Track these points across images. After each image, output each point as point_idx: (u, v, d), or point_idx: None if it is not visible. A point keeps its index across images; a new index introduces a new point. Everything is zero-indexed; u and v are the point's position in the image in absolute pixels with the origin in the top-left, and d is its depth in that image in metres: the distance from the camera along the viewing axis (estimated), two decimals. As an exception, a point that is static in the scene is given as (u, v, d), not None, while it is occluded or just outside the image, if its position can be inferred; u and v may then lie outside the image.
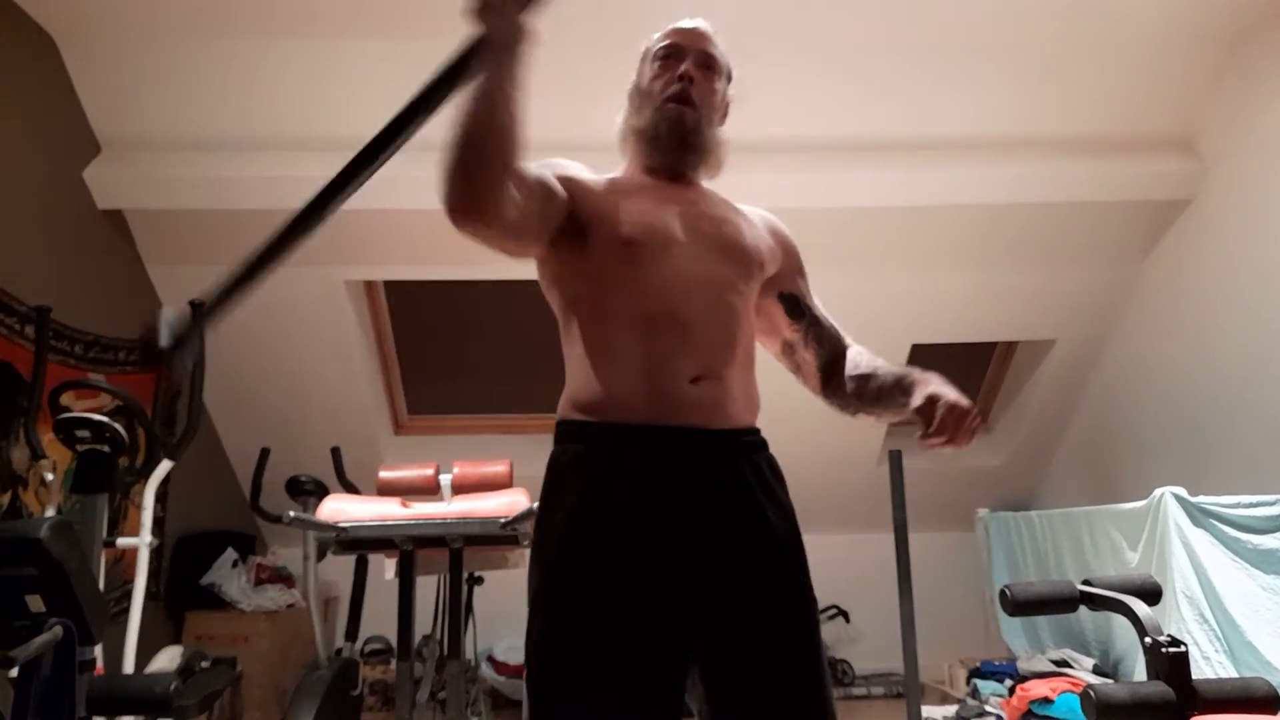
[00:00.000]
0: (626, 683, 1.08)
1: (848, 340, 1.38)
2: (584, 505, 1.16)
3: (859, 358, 1.34)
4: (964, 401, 1.14)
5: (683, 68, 1.34)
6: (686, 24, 1.40)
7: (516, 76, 1.14)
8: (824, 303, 1.43)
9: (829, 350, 1.37)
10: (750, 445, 1.25)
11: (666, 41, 1.38)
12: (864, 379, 1.30)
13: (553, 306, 1.33)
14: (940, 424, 1.13)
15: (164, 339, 1.26)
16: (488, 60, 1.13)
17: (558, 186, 1.25)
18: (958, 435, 1.14)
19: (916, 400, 1.16)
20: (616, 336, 1.20)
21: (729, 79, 1.44)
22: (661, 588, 1.11)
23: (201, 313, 1.27)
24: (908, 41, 3.03)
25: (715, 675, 1.13)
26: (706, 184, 1.42)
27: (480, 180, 1.09)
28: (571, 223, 1.26)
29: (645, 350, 1.18)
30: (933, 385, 1.17)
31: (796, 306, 1.38)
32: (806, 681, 1.14)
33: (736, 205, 1.41)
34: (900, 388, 1.23)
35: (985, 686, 3.59)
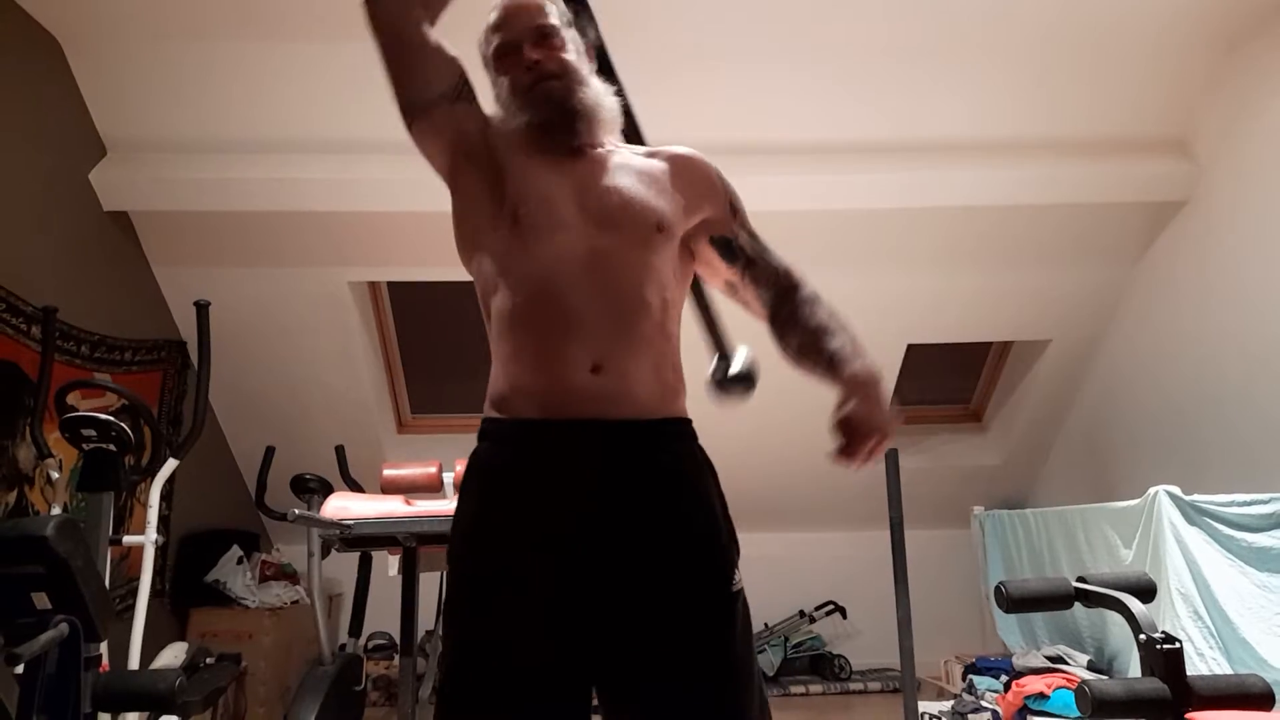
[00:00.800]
0: (524, 696, 1.05)
1: (796, 275, 1.31)
2: (479, 507, 1.14)
3: (806, 312, 1.26)
4: (872, 427, 1.11)
5: (526, 57, 1.26)
6: (496, 13, 1.32)
7: None
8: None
9: (772, 289, 1.30)
10: (663, 434, 1.17)
11: (495, 41, 1.31)
12: (804, 343, 1.24)
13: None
14: (848, 451, 1.12)
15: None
16: None
17: (458, 72, 1.29)
18: (863, 460, 1.13)
19: (834, 417, 1.13)
20: (513, 329, 1.17)
21: (570, 22, 1.34)
22: (555, 594, 1.07)
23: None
24: (903, 44, 3.04)
25: (613, 680, 1.09)
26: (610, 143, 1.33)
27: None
28: (455, 135, 1.28)
29: (538, 342, 1.15)
30: (851, 404, 1.12)
31: (729, 249, 1.31)
32: (700, 689, 1.06)
33: (643, 154, 1.33)
34: (830, 372, 1.19)
35: (981, 682, 3.61)
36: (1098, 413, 4.11)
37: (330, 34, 2.93)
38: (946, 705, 3.51)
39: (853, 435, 1.11)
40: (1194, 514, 2.74)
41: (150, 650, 2.66)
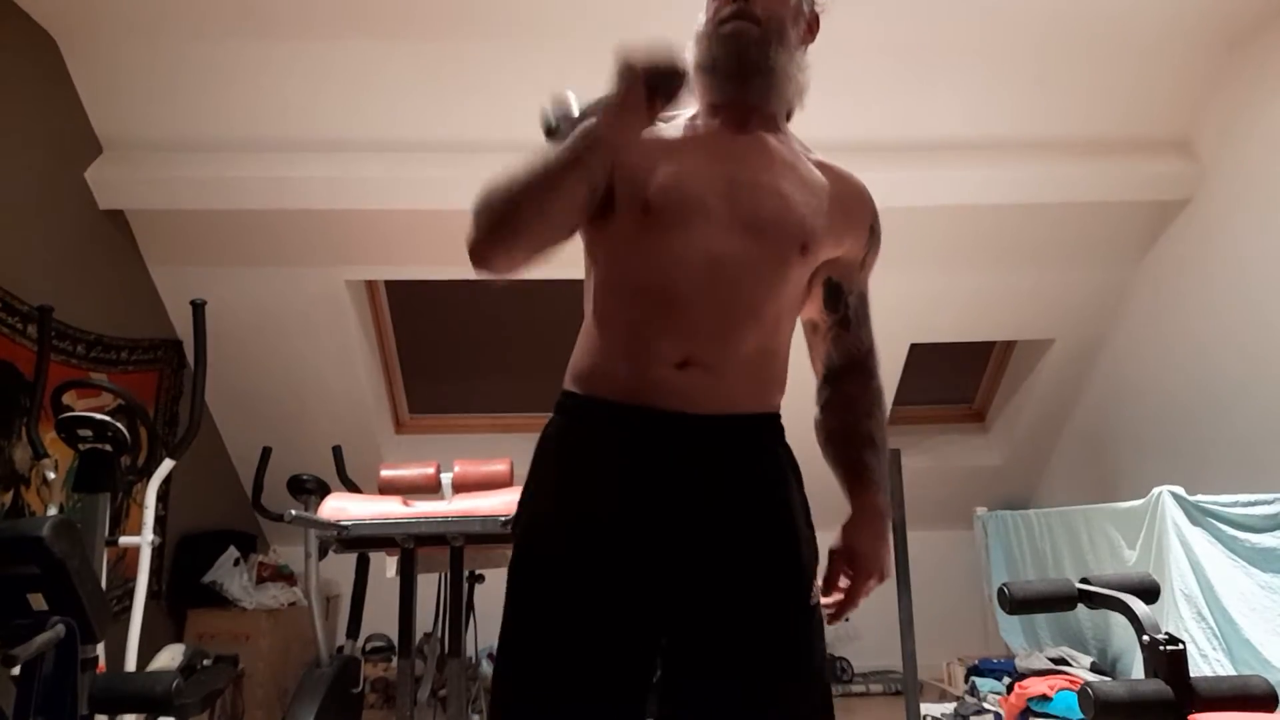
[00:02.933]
0: (584, 677, 1.01)
1: (874, 361, 1.25)
2: (558, 482, 1.10)
3: (865, 408, 1.21)
4: (877, 566, 1.11)
5: None
6: None
7: (605, 157, 1.07)
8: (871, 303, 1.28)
9: (846, 358, 1.24)
10: (748, 430, 1.11)
11: None
12: (846, 437, 1.21)
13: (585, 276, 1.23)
14: (850, 592, 1.11)
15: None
16: (574, 147, 1.05)
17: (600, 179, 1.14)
18: (839, 609, 1.11)
19: (838, 542, 1.12)
20: (611, 309, 1.12)
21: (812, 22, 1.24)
22: (629, 573, 1.04)
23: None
24: (905, 43, 3.03)
25: (673, 674, 1.05)
26: (788, 132, 1.24)
27: (511, 241, 1.06)
28: (607, 188, 1.13)
29: (632, 326, 1.09)
30: (862, 536, 1.12)
31: (837, 295, 1.23)
32: (771, 682, 1.03)
33: (820, 163, 1.23)
34: (854, 484, 1.17)
35: (984, 684, 3.59)
36: (1101, 412, 4.10)
37: (327, 32, 2.92)
38: (949, 707, 3.50)
39: (857, 571, 1.10)
40: (1197, 514, 2.73)
41: (147, 652, 2.64)
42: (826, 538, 1.16)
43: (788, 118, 1.27)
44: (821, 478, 1.23)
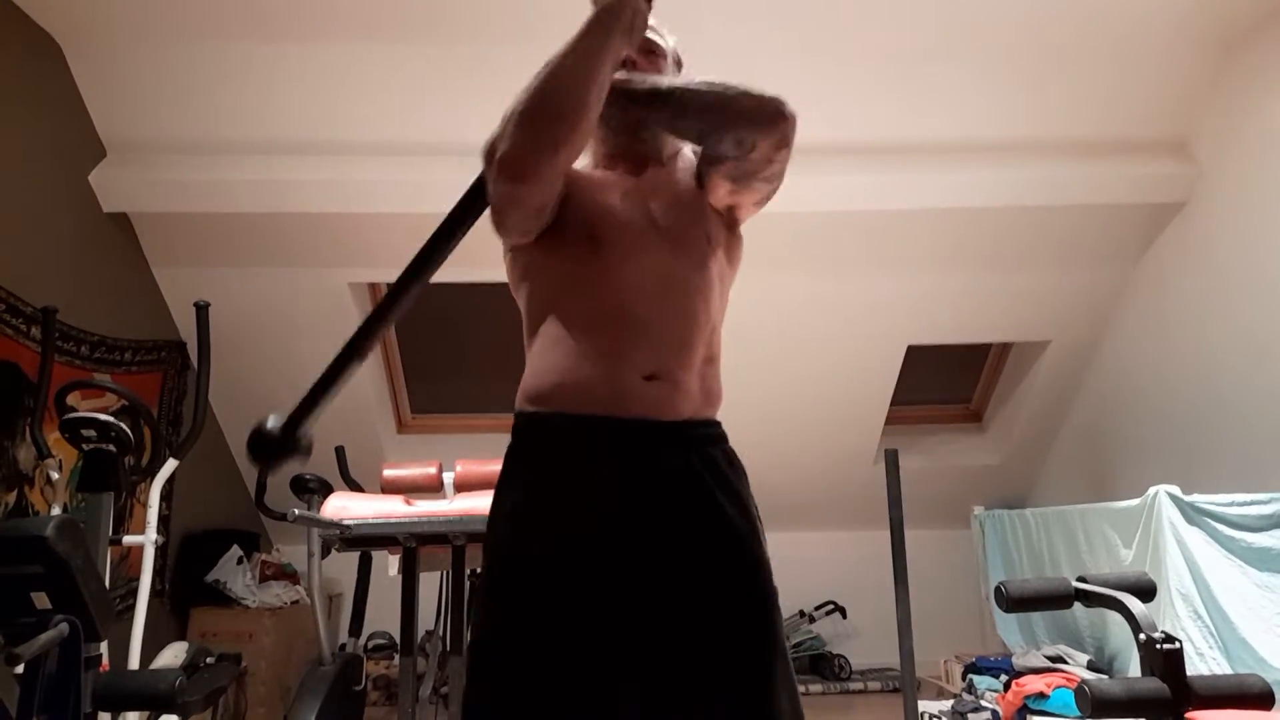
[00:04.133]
0: (563, 684, 1.06)
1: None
2: (530, 494, 1.16)
3: None
4: None
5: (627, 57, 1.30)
6: None
7: (620, 47, 1.18)
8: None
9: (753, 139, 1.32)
10: (704, 436, 1.21)
11: None
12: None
13: (519, 303, 1.30)
14: None
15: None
16: (600, 24, 1.16)
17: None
18: None
19: None
20: (572, 332, 1.19)
21: (679, 62, 1.42)
22: (604, 579, 1.09)
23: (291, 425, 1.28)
24: (903, 46, 3.04)
25: (654, 672, 1.09)
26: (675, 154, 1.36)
27: (558, 134, 1.12)
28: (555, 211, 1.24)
29: (598, 345, 1.17)
30: None
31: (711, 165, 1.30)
32: (749, 681, 1.09)
33: (687, 167, 1.35)
34: None
35: (981, 682, 3.60)
36: (1097, 413, 4.11)
37: (330, 35, 2.93)
38: (946, 705, 3.51)
39: None
40: (1194, 514, 2.74)
41: (150, 650, 2.66)
42: (782, 537, 1.20)
43: None
44: (775, 478, 1.24)
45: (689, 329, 1.22)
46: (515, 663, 1.08)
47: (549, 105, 1.12)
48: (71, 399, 2.67)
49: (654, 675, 1.09)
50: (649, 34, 1.35)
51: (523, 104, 1.12)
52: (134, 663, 2.50)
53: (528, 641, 1.08)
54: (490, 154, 1.14)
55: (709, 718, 1.07)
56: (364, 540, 2.44)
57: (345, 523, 2.35)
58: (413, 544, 2.38)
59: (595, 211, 1.24)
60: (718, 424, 1.26)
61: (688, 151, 1.36)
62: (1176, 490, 2.79)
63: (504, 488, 1.19)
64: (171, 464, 2.77)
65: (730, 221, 1.35)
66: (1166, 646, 1.18)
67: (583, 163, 1.35)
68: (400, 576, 2.43)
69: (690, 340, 1.22)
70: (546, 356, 1.21)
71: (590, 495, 1.13)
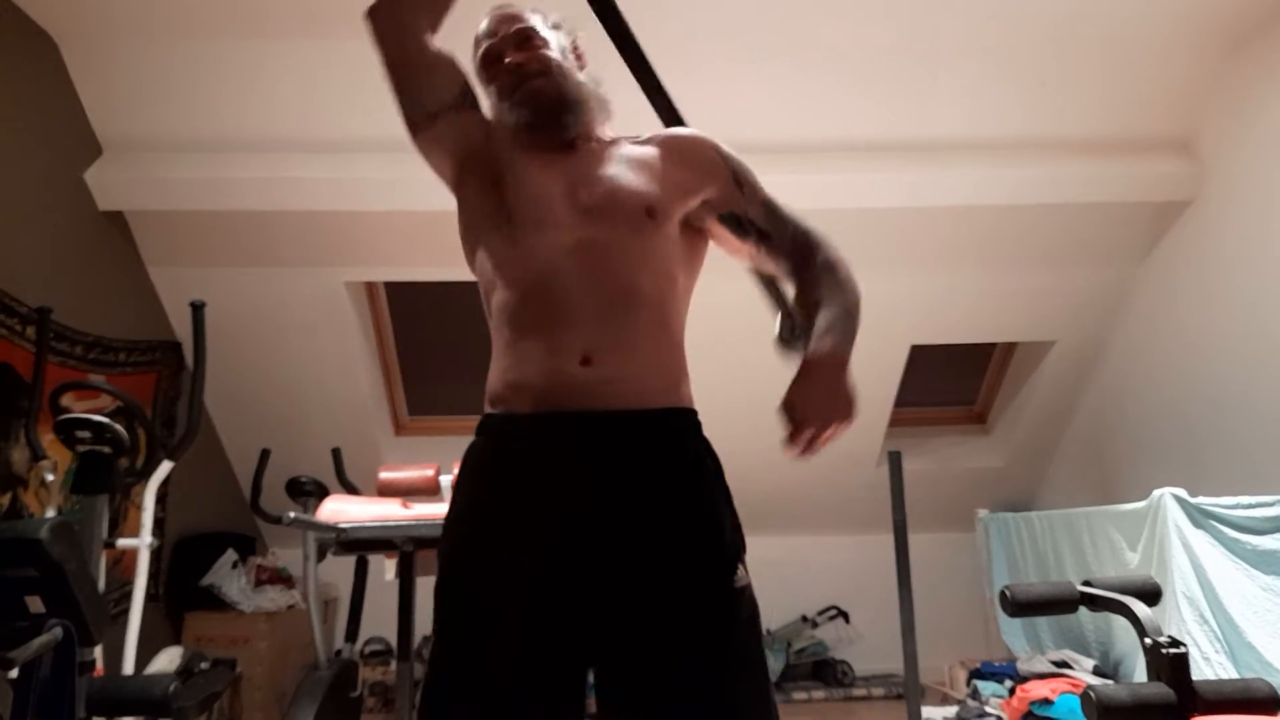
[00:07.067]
0: (515, 695, 1.03)
1: (814, 239, 1.30)
2: (471, 501, 1.14)
3: (812, 282, 1.26)
4: (808, 412, 1.09)
5: (506, 61, 1.29)
6: (484, 24, 1.36)
7: None
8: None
9: (790, 259, 1.29)
10: (659, 424, 1.14)
11: (480, 52, 1.34)
12: (806, 322, 1.26)
13: None
14: (793, 443, 1.10)
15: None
16: None
17: (461, 81, 1.29)
18: (804, 449, 1.10)
19: (784, 403, 1.10)
20: (506, 324, 1.18)
21: (557, 25, 1.37)
22: (548, 588, 1.05)
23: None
24: (907, 43, 3.03)
25: (607, 677, 1.07)
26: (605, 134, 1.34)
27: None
28: (459, 144, 1.28)
29: (529, 337, 1.14)
30: (794, 386, 1.11)
31: (739, 224, 1.29)
32: (700, 684, 1.03)
33: (639, 142, 1.33)
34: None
35: (985, 687, 3.59)
36: (1102, 414, 4.10)
37: (326, 32, 2.91)
38: (951, 711, 3.49)
39: (792, 420, 1.09)
40: (1199, 516, 2.72)
41: (145, 655, 2.64)
42: (755, 542, 1.16)
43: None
44: (747, 478, 1.21)
45: (625, 302, 1.15)
46: (449, 667, 1.07)
47: None
48: (66, 400, 2.64)
49: (607, 683, 1.07)
50: (524, 22, 1.32)
51: None
52: (128, 668, 2.48)
53: (456, 646, 1.07)
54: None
55: None
56: (360, 544, 2.42)
57: (341, 526, 2.33)
58: (410, 548, 2.36)
59: (509, 185, 1.22)
60: (683, 412, 1.18)
61: (641, 146, 1.33)
62: (1182, 493, 2.77)
63: (454, 493, 1.18)
64: (166, 466, 2.75)
65: (697, 217, 1.30)
66: (1172, 651, 1.17)
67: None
68: (397, 581, 2.41)
69: (628, 315, 1.14)
70: (496, 355, 1.21)
71: (529, 501, 1.09)
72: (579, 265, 1.15)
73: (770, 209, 1.31)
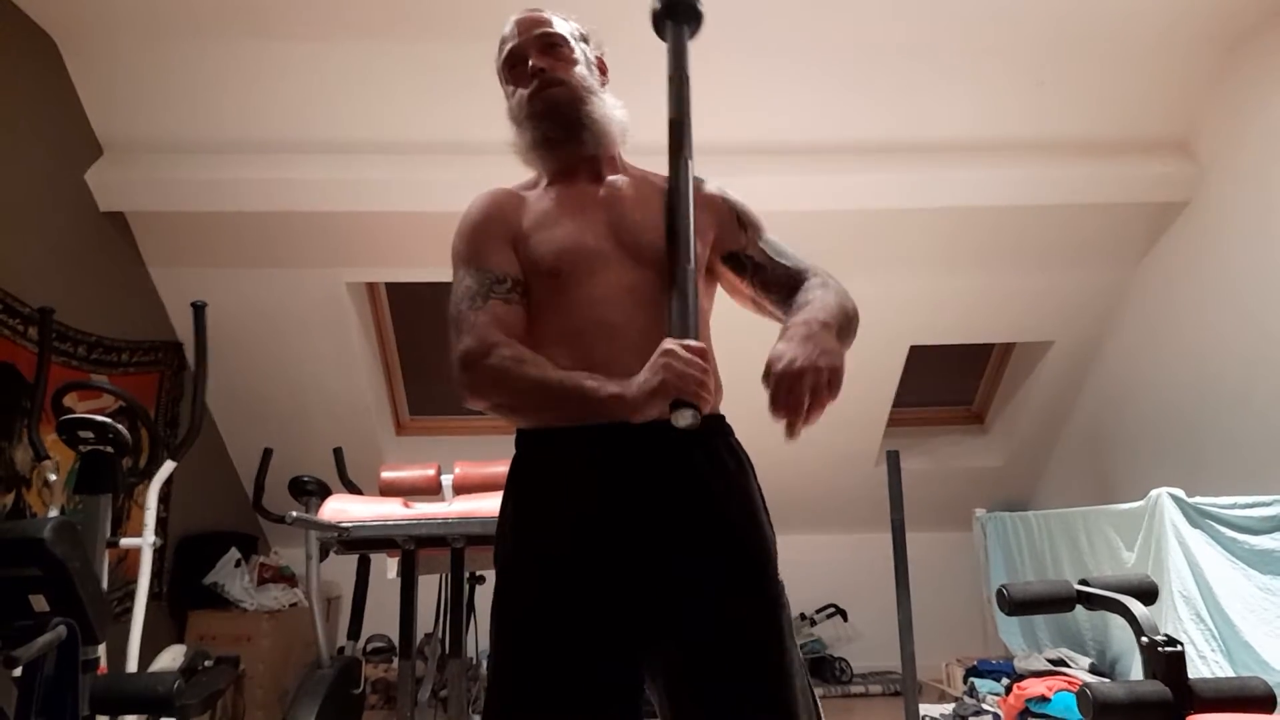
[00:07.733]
0: (579, 692, 1.06)
1: (807, 273, 1.28)
2: (519, 509, 1.17)
3: (803, 296, 1.24)
4: (792, 361, 1.03)
5: (530, 64, 1.28)
6: (509, 25, 1.35)
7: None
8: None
9: (785, 293, 1.27)
10: (708, 429, 1.15)
11: (504, 53, 1.34)
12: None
13: None
14: (776, 401, 1.03)
15: None
16: (604, 405, 1.09)
17: (518, 282, 1.23)
18: (800, 412, 1.02)
19: (766, 372, 1.05)
20: (552, 346, 1.18)
21: (585, 38, 1.37)
22: (613, 582, 1.09)
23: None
24: (906, 44, 3.03)
25: (668, 673, 1.10)
26: (620, 165, 1.35)
27: (489, 402, 1.17)
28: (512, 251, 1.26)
29: (577, 356, 1.16)
30: (778, 349, 1.06)
31: (738, 262, 1.31)
32: (758, 677, 1.07)
33: (661, 182, 1.32)
34: None
35: (982, 685, 3.60)
36: (1100, 414, 4.10)
37: (327, 33, 2.92)
38: (948, 708, 3.50)
39: (775, 379, 1.03)
40: (1196, 516, 2.73)
41: (148, 653, 2.65)
42: (783, 540, 1.18)
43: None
44: (775, 480, 1.22)
45: (660, 331, 1.15)
46: (513, 676, 1.09)
47: (505, 401, 1.17)
48: (68, 400, 2.65)
49: (666, 683, 1.09)
50: (552, 27, 1.32)
51: (500, 376, 1.13)
52: (132, 666, 2.49)
53: (519, 653, 1.09)
54: (457, 357, 1.17)
55: None
56: (362, 543, 2.43)
57: (343, 525, 2.34)
58: (411, 546, 2.37)
59: (551, 249, 1.22)
60: (713, 417, 1.21)
61: (645, 175, 1.35)
62: (1179, 492, 2.78)
63: (503, 504, 1.20)
64: (169, 466, 2.76)
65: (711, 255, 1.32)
66: (1168, 649, 1.17)
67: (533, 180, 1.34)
68: (399, 579, 2.42)
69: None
70: None
71: (573, 504, 1.12)
72: (629, 303, 1.19)
73: (773, 248, 1.32)
